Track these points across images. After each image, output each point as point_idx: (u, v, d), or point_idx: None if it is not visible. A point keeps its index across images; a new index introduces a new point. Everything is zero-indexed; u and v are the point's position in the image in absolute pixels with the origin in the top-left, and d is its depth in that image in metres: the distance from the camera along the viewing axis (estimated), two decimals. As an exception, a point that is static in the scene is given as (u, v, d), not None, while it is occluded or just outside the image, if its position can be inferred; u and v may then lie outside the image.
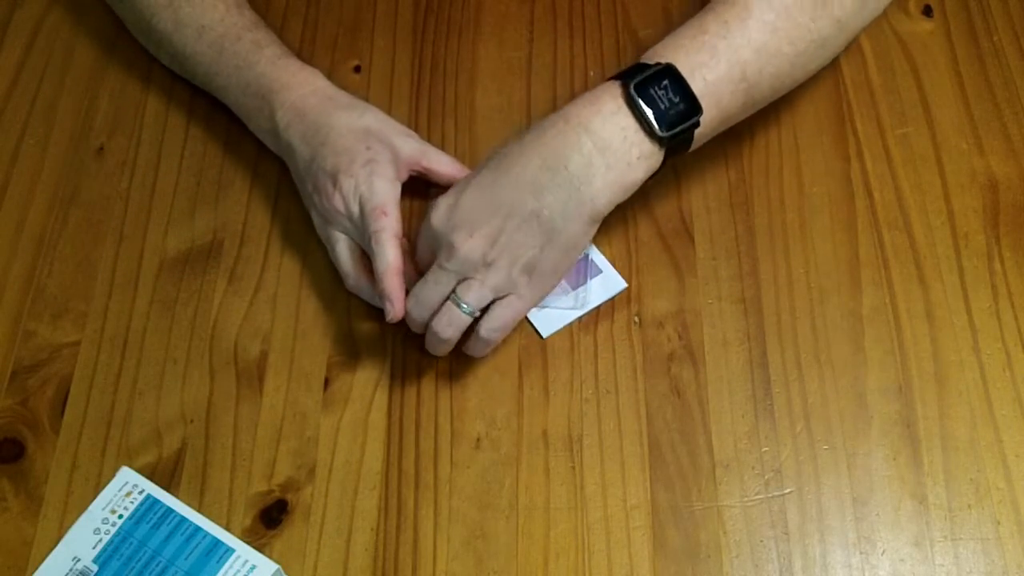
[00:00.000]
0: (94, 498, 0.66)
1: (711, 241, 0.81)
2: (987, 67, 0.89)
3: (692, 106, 0.69)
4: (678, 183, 0.84)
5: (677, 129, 0.69)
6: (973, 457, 0.72)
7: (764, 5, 0.72)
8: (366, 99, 0.88)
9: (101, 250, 0.82)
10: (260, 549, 0.66)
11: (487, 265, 0.70)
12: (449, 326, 0.72)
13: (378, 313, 0.78)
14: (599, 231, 0.73)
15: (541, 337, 0.77)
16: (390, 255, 0.73)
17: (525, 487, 0.72)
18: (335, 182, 0.75)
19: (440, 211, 0.72)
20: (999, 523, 0.70)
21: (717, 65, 0.71)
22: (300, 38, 0.92)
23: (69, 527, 0.66)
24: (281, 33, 0.89)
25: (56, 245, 0.82)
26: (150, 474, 0.72)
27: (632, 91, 0.69)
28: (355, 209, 0.75)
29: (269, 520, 0.71)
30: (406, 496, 0.72)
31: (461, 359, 0.77)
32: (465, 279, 0.71)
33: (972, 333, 0.77)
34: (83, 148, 0.87)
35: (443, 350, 0.74)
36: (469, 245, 0.70)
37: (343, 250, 0.77)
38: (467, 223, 0.70)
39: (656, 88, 0.69)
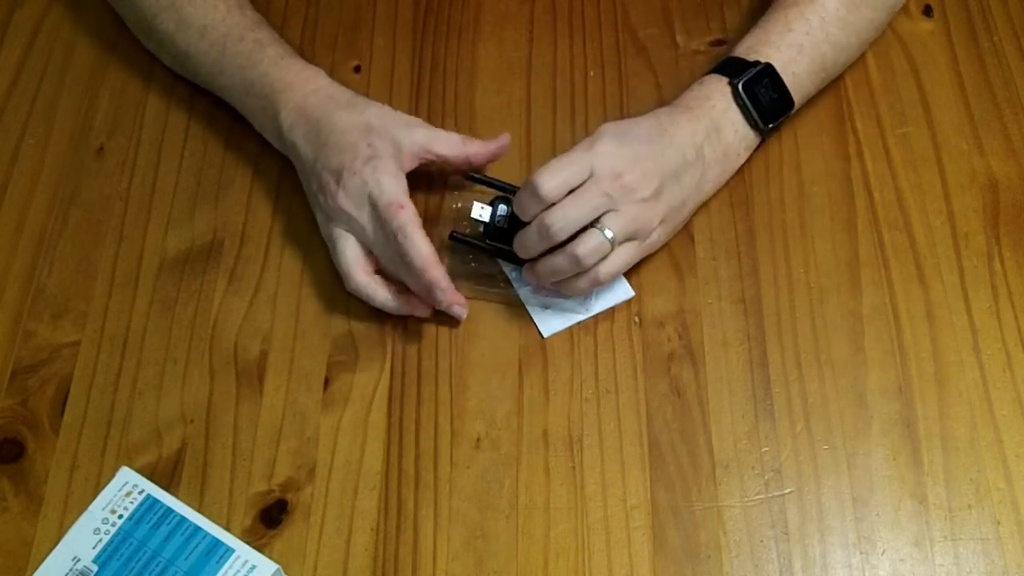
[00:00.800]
0: (94, 498, 0.67)
1: (711, 241, 0.81)
2: (987, 67, 0.89)
3: (786, 100, 0.80)
4: (678, 183, 0.84)
5: (777, 122, 0.80)
6: (973, 457, 0.72)
7: (838, 1, 0.81)
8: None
9: (101, 250, 0.82)
10: (260, 549, 0.66)
11: (642, 202, 0.73)
12: (593, 253, 0.72)
13: (378, 313, 0.78)
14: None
15: (542, 337, 0.77)
16: (423, 246, 0.73)
17: (525, 487, 0.72)
18: (339, 180, 0.75)
19: (608, 142, 0.73)
20: (999, 523, 0.70)
21: (803, 60, 0.80)
22: (300, 38, 0.92)
23: (69, 527, 0.66)
24: (281, 33, 0.89)
25: (56, 245, 0.82)
26: (150, 474, 0.72)
27: (740, 89, 0.78)
28: (364, 208, 0.75)
29: (269, 520, 0.71)
30: (406, 496, 0.72)
31: (461, 359, 0.77)
32: (610, 210, 0.72)
33: (972, 333, 0.77)
34: (83, 148, 0.87)
35: (575, 284, 0.74)
36: (636, 179, 0.72)
37: (346, 249, 0.76)
38: (638, 160, 0.73)
39: (758, 86, 0.78)
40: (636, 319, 0.78)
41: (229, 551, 0.65)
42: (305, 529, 0.71)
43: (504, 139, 0.79)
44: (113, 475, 0.67)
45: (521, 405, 0.75)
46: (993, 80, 0.88)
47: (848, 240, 0.81)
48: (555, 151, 0.85)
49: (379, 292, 0.76)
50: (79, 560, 0.65)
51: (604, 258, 0.73)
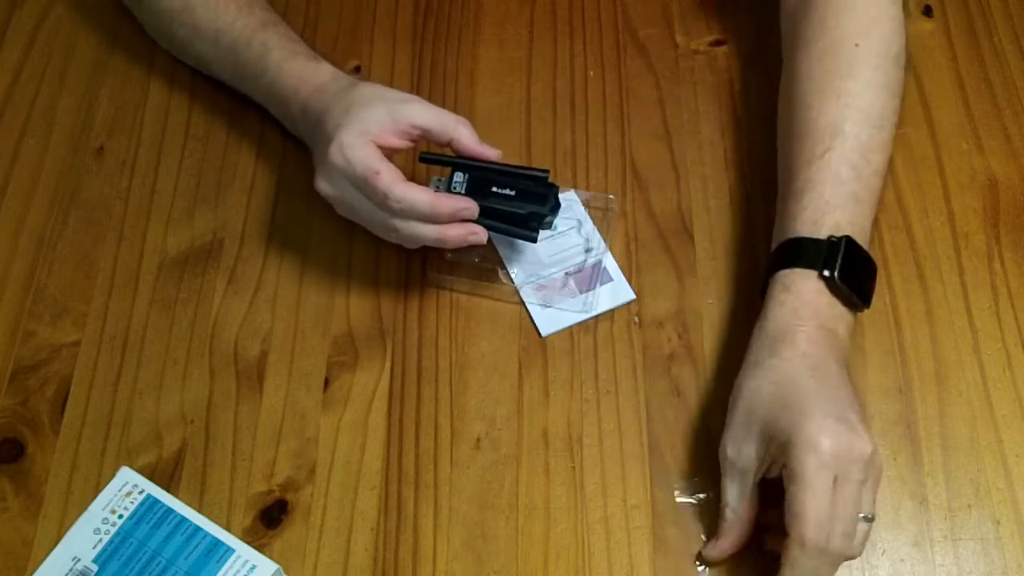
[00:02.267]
0: (94, 498, 0.67)
1: (711, 241, 0.81)
2: (987, 67, 0.89)
3: (869, 266, 0.72)
4: (678, 183, 0.84)
5: (870, 292, 0.72)
6: (973, 457, 0.72)
7: (872, 125, 0.73)
8: (366, 99, 0.89)
9: (101, 250, 0.82)
10: (260, 549, 0.66)
11: (873, 459, 0.65)
12: (861, 544, 0.65)
13: (378, 313, 0.78)
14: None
15: (540, 336, 0.77)
16: (419, 194, 0.71)
17: (525, 487, 0.72)
18: (316, 169, 0.75)
19: (823, 444, 0.62)
20: (999, 523, 0.70)
21: (864, 209, 0.72)
22: (300, 38, 0.92)
23: (69, 527, 0.66)
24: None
25: (56, 245, 0.82)
26: (150, 474, 0.72)
27: (838, 282, 0.69)
28: (345, 189, 0.73)
29: (269, 520, 0.71)
30: (406, 496, 0.72)
31: (461, 359, 0.77)
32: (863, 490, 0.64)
33: (972, 333, 0.77)
34: (83, 148, 0.87)
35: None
36: (859, 447, 0.63)
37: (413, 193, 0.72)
38: (851, 428, 0.64)
39: (849, 267, 0.69)
40: (636, 319, 0.78)
41: (229, 551, 0.65)
42: (305, 529, 0.71)
43: (496, 152, 0.75)
44: (113, 475, 0.67)
45: (521, 405, 0.75)
46: (993, 80, 0.88)
47: (848, 240, 0.81)
48: (555, 151, 0.85)
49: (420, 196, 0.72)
50: (79, 560, 0.65)
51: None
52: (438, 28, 0.93)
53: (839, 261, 0.69)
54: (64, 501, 0.72)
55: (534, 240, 0.75)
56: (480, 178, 0.75)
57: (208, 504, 0.72)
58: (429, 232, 0.73)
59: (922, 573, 0.69)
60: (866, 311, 0.77)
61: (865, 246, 0.71)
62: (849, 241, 0.70)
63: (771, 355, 0.68)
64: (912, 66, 0.89)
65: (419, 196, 0.71)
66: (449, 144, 0.75)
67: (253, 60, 0.81)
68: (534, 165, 0.85)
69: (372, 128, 0.73)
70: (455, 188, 0.75)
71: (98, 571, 0.64)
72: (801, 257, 0.70)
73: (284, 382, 0.76)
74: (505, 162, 0.76)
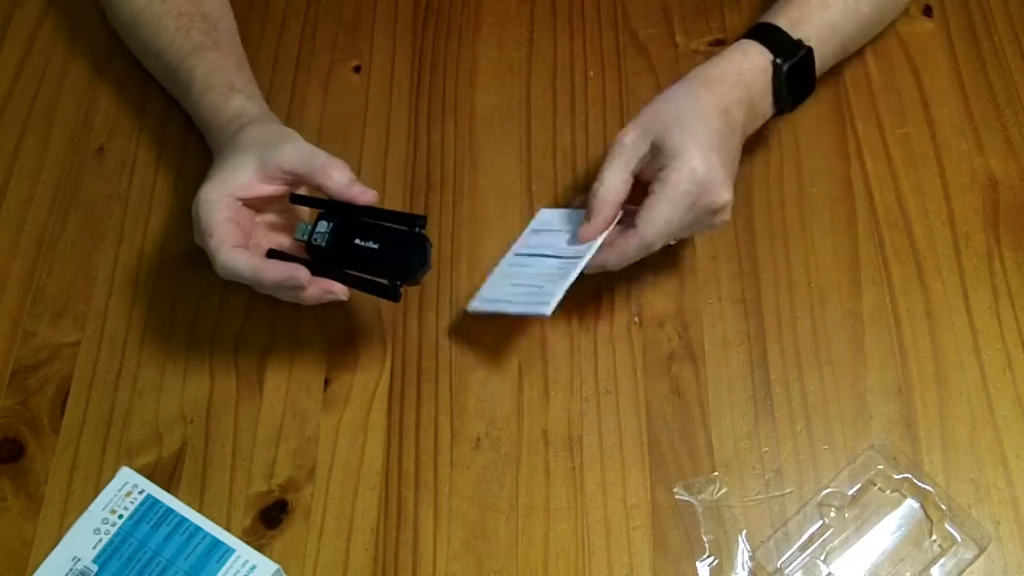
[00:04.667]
0: (94, 498, 0.67)
1: (711, 241, 0.81)
2: (987, 67, 0.89)
3: (810, 86, 0.81)
4: (678, 183, 0.84)
5: (799, 105, 0.81)
6: (973, 457, 0.72)
7: None
8: (365, 99, 0.89)
9: (101, 250, 0.82)
10: (260, 549, 0.66)
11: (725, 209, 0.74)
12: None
13: (378, 313, 0.78)
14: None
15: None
16: (240, 260, 0.70)
17: (525, 487, 0.72)
18: (193, 224, 0.73)
19: (684, 176, 0.72)
20: (999, 523, 0.70)
21: (834, 41, 0.81)
22: (300, 38, 0.92)
23: (69, 527, 0.66)
24: (281, 33, 0.89)
25: (56, 245, 0.82)
26: (150, 474, 0.72)
27: (784, 74, 0.78)
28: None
29: (269, 520, 0.71)
30: (406, 496, 0.72)
31: (461, 359, 0.77)
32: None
33: (972, 333, 0.77)
34: (83, 148, 0.87)
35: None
36: (716, 187, 0.73)
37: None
38: (721, 185, 0.73)
39: (796, 72, 0.78)
40: (636, 319, 0.78)
41: (229, 551, 0.65)
42: (305, 529, 0.71)
43: (370, 195, 0.71)
44: (113, 475, 0.67)
45: (521, 405, 0.75)
46: (993, 80, 0.88)
47: (848, 240, 0.81)
48: (555, 151, 0.85)
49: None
50: (79, 560, 0.65)
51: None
52: (438, 28, 0.93)
53: (795, 60, 0.78)
54: (64, 501, 0.72)
55: (395, 300, 0.70)
56: (347, 227, 0.71)
57: (208, 504, 0.72)
58: (284, 295, 0.72)
59: (911, 555, 0.69)
60: (866, 311, 0.77)
61: (818, 78, 0.80)
62: (810, 53, 0.78)
63: (701, 86, 0.76)
64: (912, 66, 0.89)
65: (242, 264, 0.70)
66: (319, 188, 0.71)
67: (180, 85, 0.82)
68: (534, 165, 0.85)
69: (239, 178, 0.71)
70: (316, 240, 0.71)
71: (98, 571, 0.64)
72: (768, 38, 0.78)
73: (284, 382, 0.76)
74: (381, 207, 0.71)
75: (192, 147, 0.86)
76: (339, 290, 0.71)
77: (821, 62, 0.80)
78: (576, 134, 0.86)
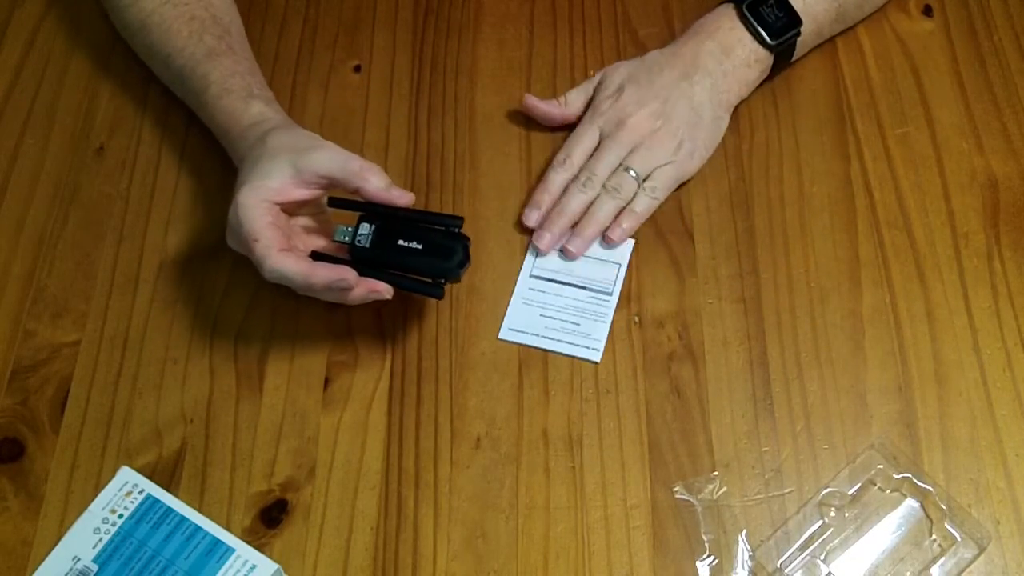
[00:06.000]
0: (94, 498, 0.67)
1: (711, 241, 0.81)
2: (987, 67, 0.89)
3: (793, 19, 0.84)
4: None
5: (783, 39, 0.84)
6: (973, 457, 0.72)
7: None
8: (366, 99, 0.89)
9: (101, 250, 0.82)
10: (260, 549, 0.66)
11: (652, 133, 0.81)
12: (618, 190, 0.80)
13: (378, 313, 0.78)
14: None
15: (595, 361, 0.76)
16: (290, 265, 0.70)
17: (525, 487, 0.72)
18: (229, 229, 0.74)
19: (606, 96, 0.83)
20: (999, 523, 0.70)
21: (824, 2, 0.85)
22: (300, 38, 0.92)
23: (69, 527, 0.66)
24: (281, 33, 0.89)
25: (56, 245, 0.82)
26: (150, 474, 0.72)
27: (745, 11, 0.84)
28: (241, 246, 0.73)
29: (269, 520, 0.71)
30: (406, 496, 0.72)
31: (461, 359, 0.77)
32: (631, 151, 0.81)
33: (972, 333, 0.77)
34: (83, 148, 0.87)
35: (592, 232, 0.80)
36: (637, 118, 0.81)
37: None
38: (633, 103, 0.82)
39: (764, 7, 0.84)
40: (636, 319, 0.78)
41: (229, 551, 0.65)
42: (305, 529, 0.71)
43: (408, 198, 0.73)
44: (113, 475, 0.67)
45: (521, 405, 0.75)
46: (993, 80, 0.88)
47: (848, 240, 0.81)
48: (555, 151, 0.85)
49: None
50: (79, 560, 0.65)
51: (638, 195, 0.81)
52: (438, 27, 0.93)
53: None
54: (64, 501, 0.72)
55: (439, 297, 0.73)
56: (388, 228, 0.73)
57: (208, 504, 0.72)
58: (328, 296, 0.73)
59: (911, 554, 0.69)
60: (866, 311, 0.77)
61: (805, 17, 0.84)
62: None
63: (662, 48, 0.86)
64: (912, 66, 0.89)
65: (291, 268, 0.70)
66: (357, 192, 0.73)
67: (194, 91, 0.81)
68: (534, 165, 0.85)
69: (273, 184, 0.71)
70: (359, 241, 0.72)
71: (98, 571, 0.64)
72: None
73: (284, 382, 0.76)
74: (417, 208, 0.74)
75: (192, 146, 0.86)
76: (384, 289, 0.72)
77: (806, 6, 0.84)
78: (576, 134, 0.86)
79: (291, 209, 0.74)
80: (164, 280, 0.81)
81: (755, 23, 0.83)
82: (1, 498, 0.72)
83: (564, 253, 0.80)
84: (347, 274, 0.71)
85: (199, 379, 0.76)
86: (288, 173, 0.72)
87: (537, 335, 0.77)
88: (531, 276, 0.80)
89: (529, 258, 0.80)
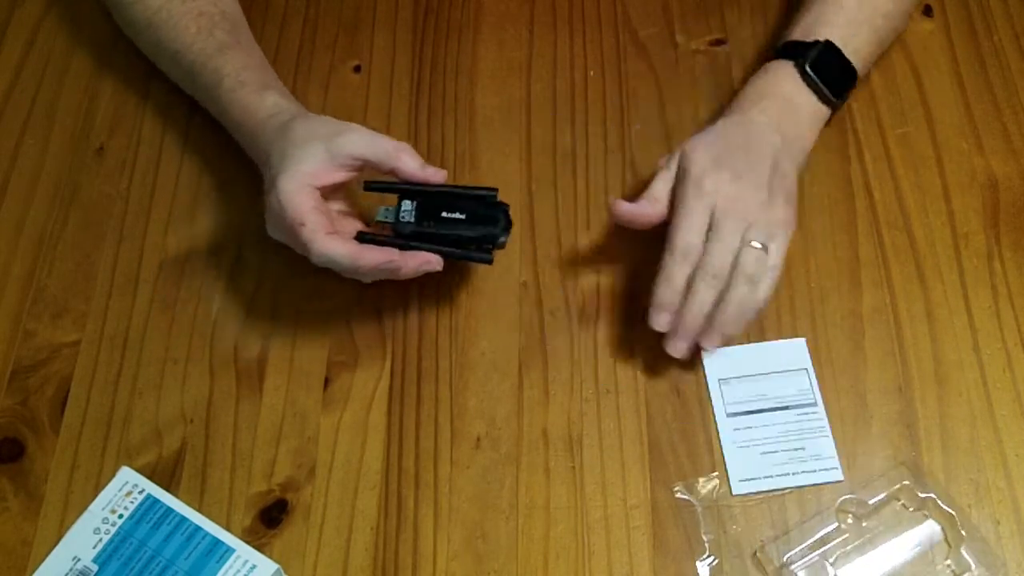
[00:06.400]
0: (94, 498, 0.67)
1: (711, 241, 0.81)
2: (987, 67, 0.89)
3: (850, 73, 0.82)
4: (678, 183, 0.84)
5: (844, 94, 0.82)
6: (973, 457, 0.72)
7: None
8: (366, 99, 0.89)
9: (101, 250, 0.82)
10: (260, 549, 0.66)
11: (764, 206, 0.74)
12: (751, 274, 0.72)
13: (378, 313, 0.78)
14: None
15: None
16: (338, 248, 0.71)
17: (525, 487, 0.72)
18: (269, 219, 0.74)
19: (710, 174, 0.74)
20: (999, 523, 0.70)
21: (861, 33, 0.83)
22: (300, 38, 0.92)
23: (69, 527, 0.66)
24: (281, 33, 0.89)
25: (56, 245, 0.82)
26: (150, 474, 0.72)
27: (808, 70, 0.80)
28: (283, 233, 0.73)
29: (269, 520, 0.71)
30: (406, 496, 0.72)
31: (461, 359, 0.77)
32: (749, 227, 0.73)
33: (972, 333, 0.77)
34: (83, 148, 0.87)
35: (735, 330, 0.74)
36: (751, 194, 0.74)
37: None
38: (742, 175, 0.75)
39: (823, 64, 0.80)
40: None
41: (229, 551, 0.65)
42: (305, 529, 0.71)
43: (441, 175, 0.74)
44: (113, 475, 0.67)
45: (521, 405, 0.75)
46: (993, 80, 0.88)
47: (848, 240, 0.81)
48: (555, 151, 0.85)
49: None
50: (79, 560, 0.65)
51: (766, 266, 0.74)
52: (438, 28, 0.93)
53: (814, 55, 0.80)
54: (64, 501, 0.72)
55: (489, 262, 0.74)
56: (429, 204, 0.74)
57: (208, 504, 0.72)
58: (374, 275, 0.74)
59: (923, 573, 0.69)
60: (866, 311, 0.77)
61: (858, 67, 0.82)
62: (829, 44, 0.80)
63: (724, 116, 0.80)
64: (912, 66, 0.89)
65: (339, 251, 0.71)
66: (392, 172, 0.74)
67: (208, 86, 0.81)
68: (534, 165, 0.85)
69: (309, 170, 0.72)
70: (403, 217, 0.74)
71: (98, 571, 0.64)
72: (785, 52, 0.82)
73: (284, 382, 0.76)
74: (451, 183, 0.75)
75: (192, 147, 0.86)
76: (434, 260, 0.73)
77: (856, 54, 0.82)
78: (576, 134, 0.86)
79: (325, 194, 0.74)
80: (164, 280, 0.81)
81: (819, 82, 0.80)
82: (1, 498, 0.72)
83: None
84: (393, 255, 0.72)
85: (199, 379, 0.76)
86: (322, 158, 0.72)
87: (771, 476, 0.72)
88: (728, 416, 0.74)
89: (715, 398, 0.75)
